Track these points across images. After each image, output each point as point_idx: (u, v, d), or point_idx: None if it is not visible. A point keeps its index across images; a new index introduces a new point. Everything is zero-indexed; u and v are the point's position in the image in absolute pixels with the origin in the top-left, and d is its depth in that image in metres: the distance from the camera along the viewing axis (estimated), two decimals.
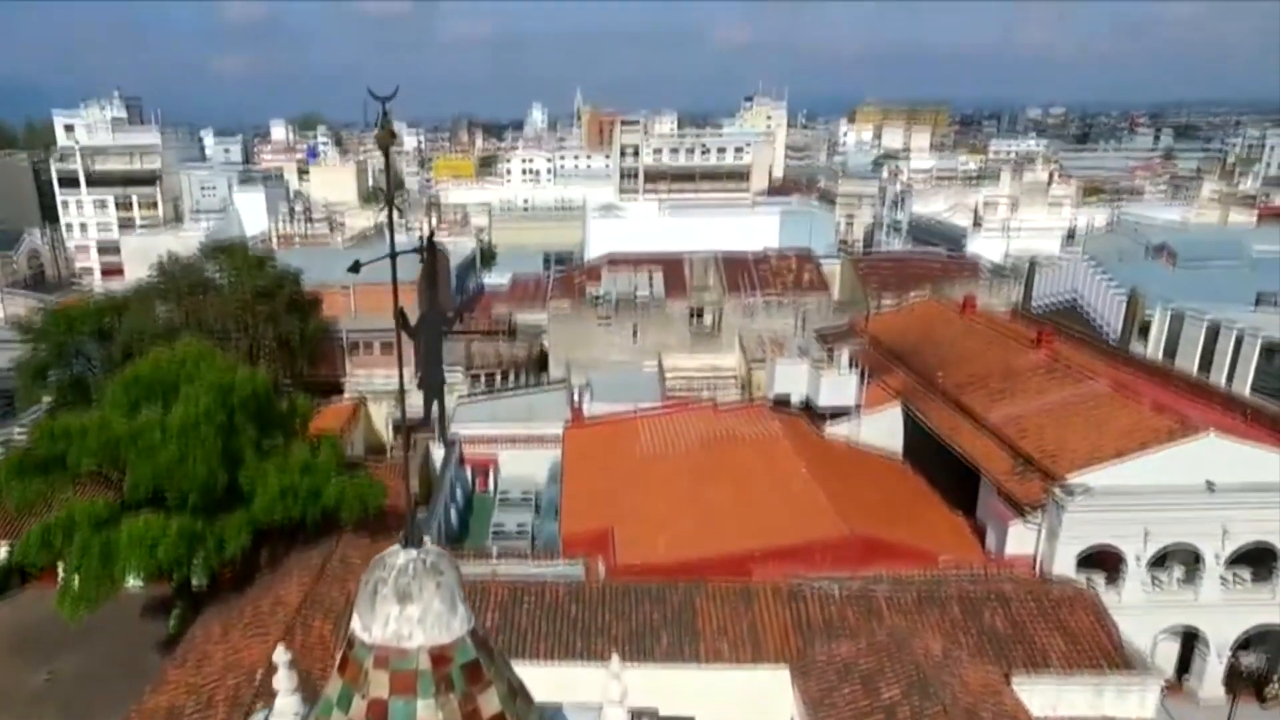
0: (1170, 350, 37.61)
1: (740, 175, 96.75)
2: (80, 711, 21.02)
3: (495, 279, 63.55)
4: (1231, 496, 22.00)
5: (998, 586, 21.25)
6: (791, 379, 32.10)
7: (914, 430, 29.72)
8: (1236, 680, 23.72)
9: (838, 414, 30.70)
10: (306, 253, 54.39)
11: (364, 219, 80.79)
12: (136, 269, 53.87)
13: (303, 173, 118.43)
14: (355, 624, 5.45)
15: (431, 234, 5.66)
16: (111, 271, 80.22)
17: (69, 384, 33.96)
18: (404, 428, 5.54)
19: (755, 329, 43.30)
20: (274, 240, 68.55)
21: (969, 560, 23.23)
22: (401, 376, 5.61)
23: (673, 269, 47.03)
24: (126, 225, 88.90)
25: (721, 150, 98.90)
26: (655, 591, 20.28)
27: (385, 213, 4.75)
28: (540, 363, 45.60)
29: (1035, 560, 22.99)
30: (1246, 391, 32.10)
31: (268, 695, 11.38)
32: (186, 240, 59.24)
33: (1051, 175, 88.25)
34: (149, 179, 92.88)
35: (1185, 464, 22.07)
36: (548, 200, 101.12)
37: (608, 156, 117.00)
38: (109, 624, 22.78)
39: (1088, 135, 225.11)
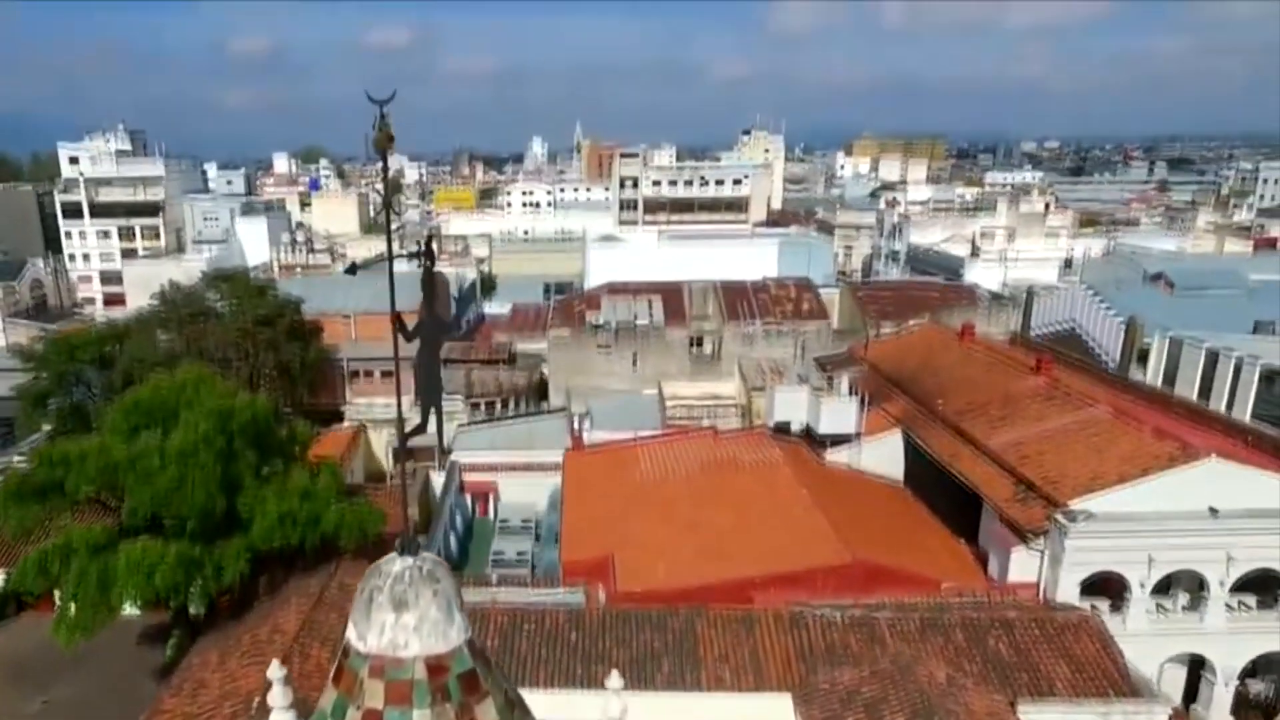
0: (1170, 377, 37.60)
1: (739, 206, 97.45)
2: None
3: (495, 308, 63.83)
4: (1235, 522, 21.87)
5: (1001, 613, 21.07)
6: (792, 405, 32.08)
7: (914, 456, 29.63)
8: (1245, 708, 23.42)
9: (838, 440, 30.63)
10: (307, 281, 54.62)
11: (365, 249, 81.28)
12: (138, 297, 54.12)
13: (305, 204, 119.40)
14: (350, 633, 5.38)
15: (429, 239, 5.70)
16: (114, 300, 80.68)
17: (69, 411, 33.95)
18: (401, 429, 5.50)
19: (755, 356, 43.36)
20: (275, 269, 68.88)
21: (972, 587, 23.04)
22: (399, 379, 5.58)
23: (672, 297, 47.20)
24: (129, 255, 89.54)
25: (720, 181, 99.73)
26: (656, 618, 20.10)
27: (383, 218, 4.75)
28: (540, 390, 45.59)
29: (1039, 587, 22.79)
30: (1247, 418, 32.04)
31: None
32: (188, 269, 59.59)
33: (1048, 205, 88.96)
34: (152, 209, 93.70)
35: (1187, 489, 21.95)
36: (548, 230, 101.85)
37: (607, 188, 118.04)
38: (105, 651, 22.56)
39: (1082, 168, 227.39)
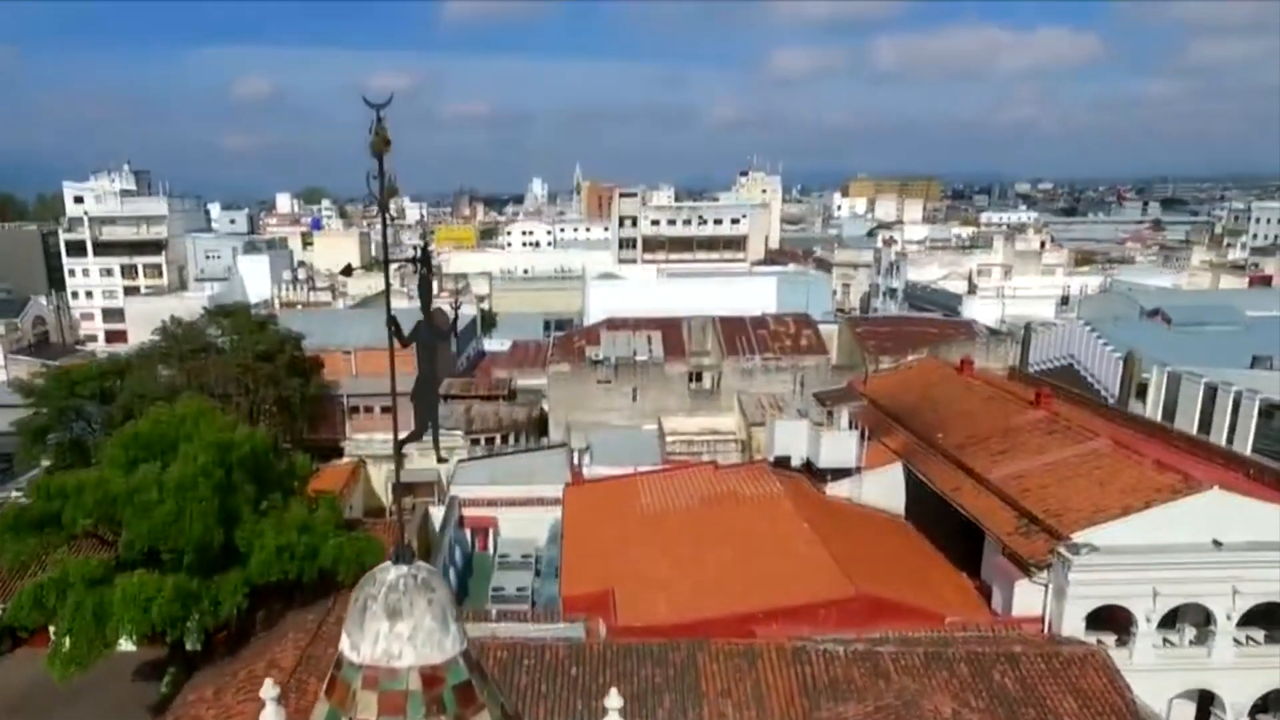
0: (1169, 411, 37.54)
1: (737, 244, 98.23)
2: None
3: (496, 345, 63.99)
4: (1239, 555, 21.70)
5: (1007, 646, 20.78)
6: (792, 439, 32.02)
7: (915, 489, 29.49)
8: None
9: (839, 474, 30.53)
10: (308, 316, 54.86)
11: (366, 285, 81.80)
12: (140, 333, 54.29)
13: (307, 243, 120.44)
14: (344, 643, 5.32)
15: (426, 245, 5.78)
16: (115, 336, 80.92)
17: (68, 446, 33.87)
18: (397, 434, 5.52)
19: (754, 391, 43.38)
20: (277, 305, 69.26)
21: (976, 620, 22.78)
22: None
23: (671, 331, 47.38)
24: (132, 292, 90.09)
25: (718, 220, 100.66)
26: (657, 652, 19.84)
27: (380, 227, 4.83)
28: (540, 425, 45.53)
29: (1044, 620, 22.53)
30: (1248, 452, 31.93)
31: None
32: (190, 305, 59.89)
33: (1043, 243, 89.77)
34: (155, 246, 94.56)
35: (1190, 521, 21.82)
36: (547, 268, 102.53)
37: (606, 228, 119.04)
38: (100, 687, 22.22)
39: (1076, 208, 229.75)
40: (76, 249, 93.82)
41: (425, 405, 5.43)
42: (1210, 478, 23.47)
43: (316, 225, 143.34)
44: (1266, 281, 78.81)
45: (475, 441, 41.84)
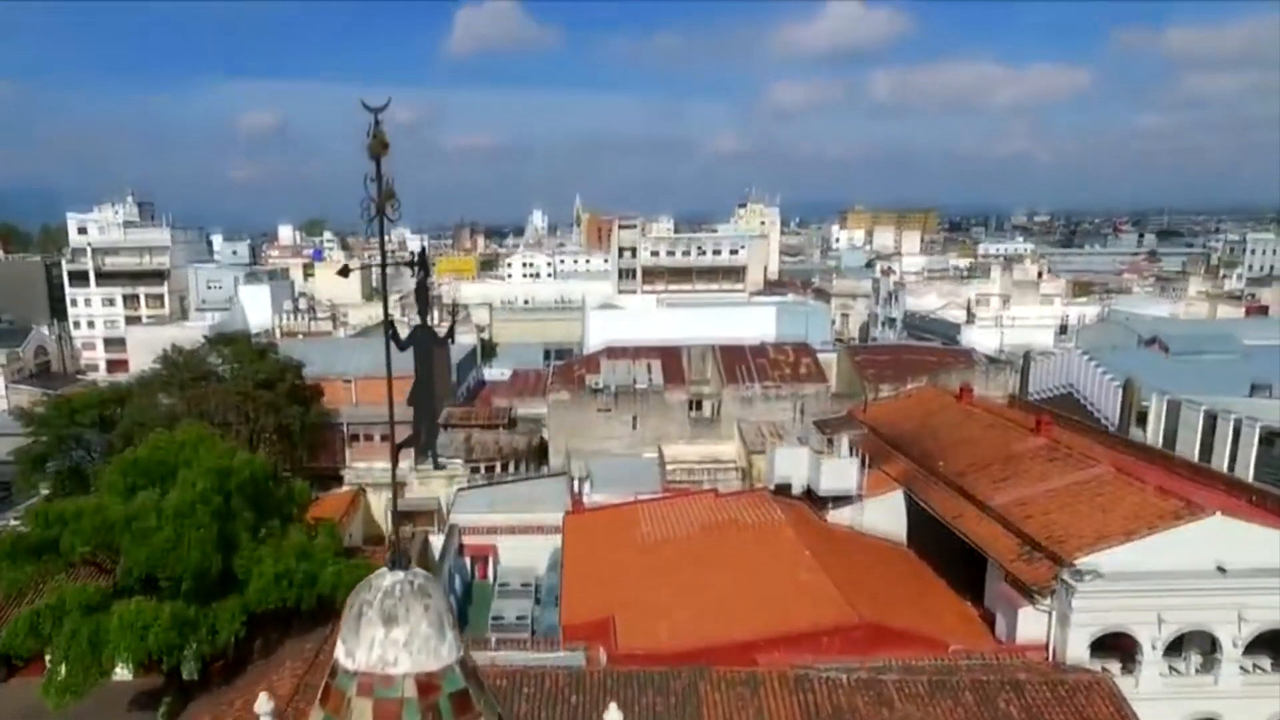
0: (1169, 438, 37.46)
1: (735, 273, 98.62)
2: None
3: (496, 373, 64.04)
4: (1243, 580, 21.56)
5: (1011, 674, 20.58)
6: (792, 466, 31.89)
7: (917, 516, 29.35)
8: None
9: (840, 500, 30.40)
10: (309, 345, 55.08)
11: (366, 315, 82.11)
12: (141, 360, 54.42)
13: (309, 273, 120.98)
14: (339, 650, 5.27)
15: (423, 250, 5.85)
16: (117, 365, 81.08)
17: (67, 473, 33.81)
18: (394, 437, 5.54)
19: (754, 419, 43.34)
20: (277, 334, 69.45)
21: (980, 647, 22.56)
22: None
23: (671, 359, 47.44)
24: (134, 321, 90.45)
25: (717, 250, 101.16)
26: (658, 679, 19.64)
27: (376, 225, 4.88)
28: (540, 453, 45.44)
29: (1048, 647, 22.31)
30: (1249, 480, 31.81)
31: None
32: (191, 333, 59.99)
33: (1041, 273, 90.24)
34: (157, 276, 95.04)
35: (1193, 546, 21.71)
36: (547, 297, 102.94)
37: (606, 258, 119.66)
38: (95, 716, 21.92)
39: (1072, 238, 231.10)
40: (79, 278, 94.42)
41: (422, 408, 5.43)
42: (1213, 503, 23.40)
43: (318, 256, 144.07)
44: (1263, 311, 79.12)
45: (475, 469, 41.72)
